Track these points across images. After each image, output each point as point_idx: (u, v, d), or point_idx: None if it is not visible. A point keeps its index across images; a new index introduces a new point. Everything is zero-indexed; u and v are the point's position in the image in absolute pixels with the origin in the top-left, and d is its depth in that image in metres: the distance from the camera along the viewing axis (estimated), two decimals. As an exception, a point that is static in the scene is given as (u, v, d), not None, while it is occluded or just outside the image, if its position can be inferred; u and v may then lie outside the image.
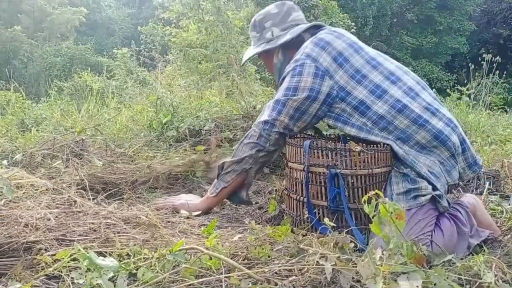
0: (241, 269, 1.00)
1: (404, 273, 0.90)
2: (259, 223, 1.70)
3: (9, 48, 16.31)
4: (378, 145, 1.40)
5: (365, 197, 0.96)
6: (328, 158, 1.38)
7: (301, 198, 1.47)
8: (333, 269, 0.97)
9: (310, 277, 1.00)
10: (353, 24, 12.92)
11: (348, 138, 1.61)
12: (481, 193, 2.09)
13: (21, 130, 3.69)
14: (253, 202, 1.87)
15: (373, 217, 0.95)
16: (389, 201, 0.94)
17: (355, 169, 1.37)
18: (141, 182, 2.03)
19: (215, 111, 2.94)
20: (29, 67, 15.71)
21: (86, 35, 20.40)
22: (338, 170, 1.34)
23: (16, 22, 17.59)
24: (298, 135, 1.64)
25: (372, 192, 0.95)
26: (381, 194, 0.95)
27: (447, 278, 0.94)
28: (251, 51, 1.80)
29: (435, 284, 0.89)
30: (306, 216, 1.43)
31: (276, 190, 1.91)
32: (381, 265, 0.89)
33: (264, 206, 1.90)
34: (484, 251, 1.27)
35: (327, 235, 1.19)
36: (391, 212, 0.91)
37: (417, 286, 0.82)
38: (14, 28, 16.69)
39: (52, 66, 14.67)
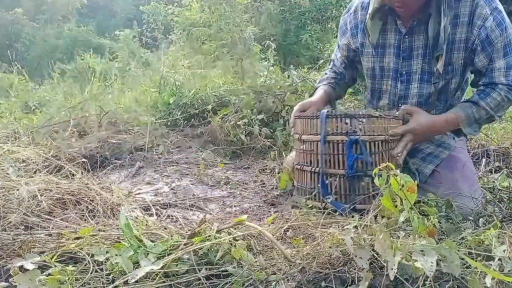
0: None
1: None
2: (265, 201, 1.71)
3: (11, 30, 16.22)
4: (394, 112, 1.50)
5: (376, 170, 0.94)
6: (348, 125, 1.39)
7: (317, 169, 1.45)
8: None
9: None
10: None
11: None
12: (490, 170, 2.07)
13: (25, 112, 3.68)
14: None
15: (384, 190, 0.93)
16: (400, 174, 0.91)
17: (373, 135, 1.38)
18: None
19: (223, 89, 2.93)
20: (31, 49, 15.65)
21: (87, 17, 20.23)
22: (357, 137, 1.34)
23: (17, 4, 17.43)
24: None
25: (384, 165, 0.93)
26: (393, 166, 0.92)
27: (458, 251, 0.92)
28: None
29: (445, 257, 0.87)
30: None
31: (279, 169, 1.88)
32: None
33: (267, 184, 1.90)
34: (496, 225, 1.25)
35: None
36: (403, 185, 0.89)
37: (432, 263, 0.80)
38: (15, 10, 16.56)
39: (54, 48, 14.62)
